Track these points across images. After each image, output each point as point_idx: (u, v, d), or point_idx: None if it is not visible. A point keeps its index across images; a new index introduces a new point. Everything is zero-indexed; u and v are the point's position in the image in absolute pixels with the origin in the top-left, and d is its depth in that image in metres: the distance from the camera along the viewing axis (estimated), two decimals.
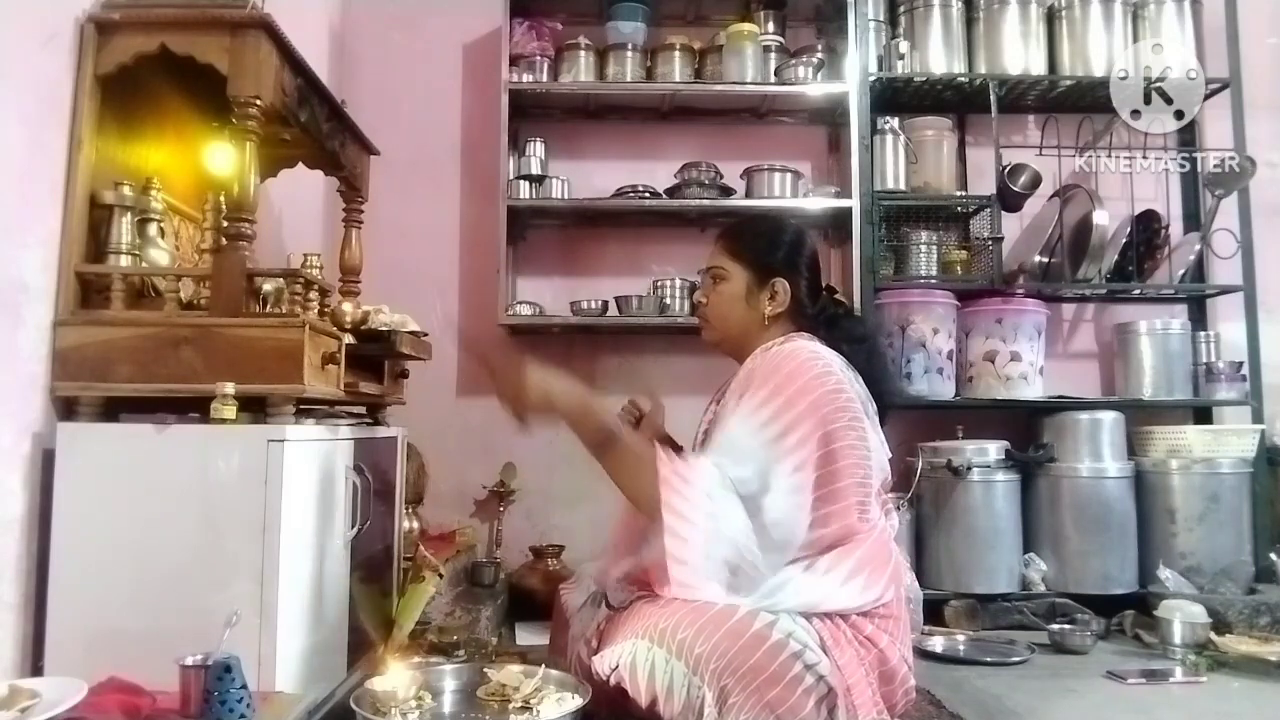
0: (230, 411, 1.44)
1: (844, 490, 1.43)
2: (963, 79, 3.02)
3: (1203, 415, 3.06)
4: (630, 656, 1.33)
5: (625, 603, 1.50)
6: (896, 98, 3.12)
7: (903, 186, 3.06)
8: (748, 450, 1.41)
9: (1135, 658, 2.37)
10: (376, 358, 2.01)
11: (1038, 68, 3.04)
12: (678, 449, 1.71)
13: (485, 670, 1.55)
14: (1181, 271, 3.02)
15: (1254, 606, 2.45)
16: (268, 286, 1.64)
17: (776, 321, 1.61)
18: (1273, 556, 2.70)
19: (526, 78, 2.94)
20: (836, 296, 1.73)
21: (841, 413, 1.44)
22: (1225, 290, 3.04)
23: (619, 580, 1.57)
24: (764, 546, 1.38)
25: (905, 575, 1.57)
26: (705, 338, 1.70)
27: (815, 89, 3.00)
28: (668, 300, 2.94)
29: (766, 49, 3.02)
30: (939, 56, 3.04)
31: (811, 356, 1.48)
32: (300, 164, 2.15)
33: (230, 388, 1.44)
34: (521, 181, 2.94)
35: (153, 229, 1.70)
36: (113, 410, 1.51)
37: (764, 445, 1.40)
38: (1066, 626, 2.51)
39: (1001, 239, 2.96)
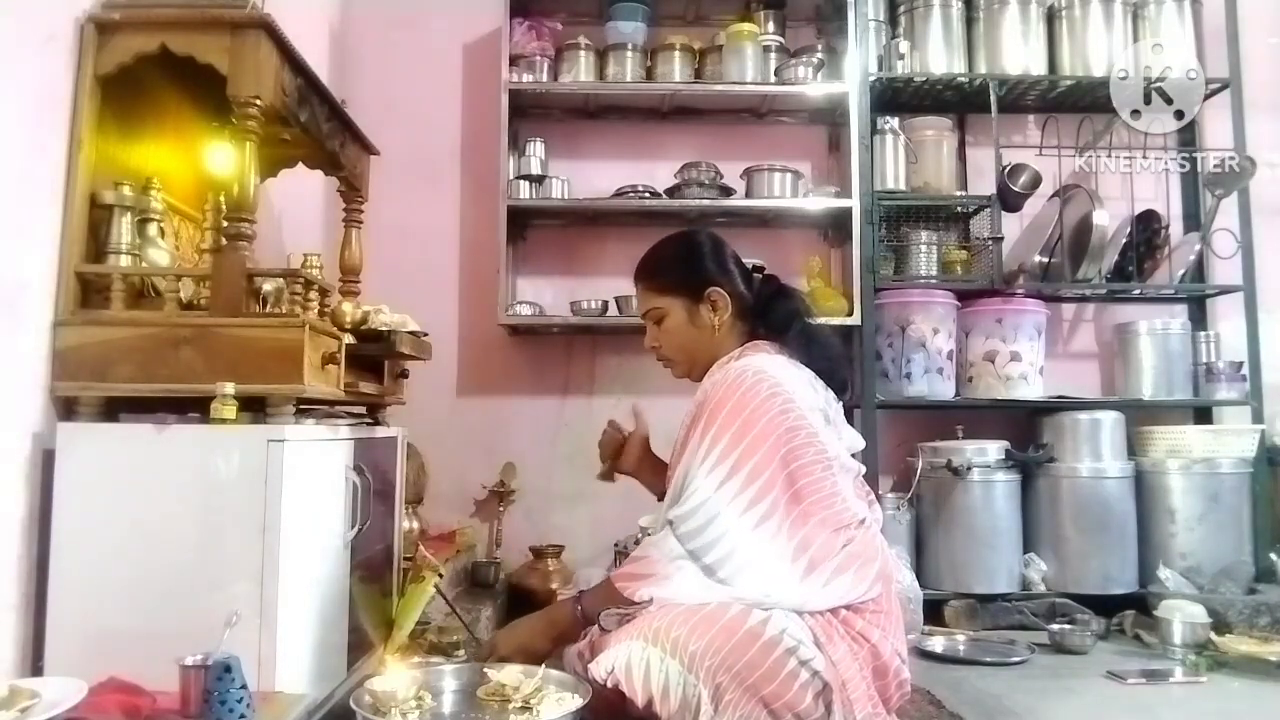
0: (230, 411, 1.43)
1: (814, 505, 1.45)
2: (963, 79, 3.02)
3: (1203, 415, 3.06)
4: (625, 658, 1.33)
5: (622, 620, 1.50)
6: (896, 98, 3.13)
7: (903, 186, 3.06)
8: (706, 507, 1.42)
9: (1135, 658, 2.37)
10: (376, 358, 2.01)
11: (1038, 68, 3.04)
12: (661, 464, 1.73)
13: (485, 670, 1.54)
14: (1181, 271, 3.02)
15: (1254, 606, 2.45)
16: (268, 286, 1.63)
17: (728, 326, 1.63)
18: (1273, 556, 2.70)
19: (526, 78, 2.94)
20: (766, 273, 1.74)
21: (794, 432, 1.45)
22: (1225, 290, 3.04)
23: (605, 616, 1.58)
24: (736, 580, 1.41)
25: (899, 571, 1.58)
26: (676, 375, 1.71)
27: (815, 89, 3.00)
28: None
29: (766, 49, 3.02)
30: (939, 56, 3.04)
31: (756, 379, 1.48)
32: (300, 164, 2.14)
33: (230, 388, 1.44)
34: (521, 181, 2.94)
35: (153, 229, 1.70)
36: (113, 410, 1.51)
37: (718, 488, 1.42)
38: (1066, 626, 2.51)
39: (1001, 239, 2.96)
